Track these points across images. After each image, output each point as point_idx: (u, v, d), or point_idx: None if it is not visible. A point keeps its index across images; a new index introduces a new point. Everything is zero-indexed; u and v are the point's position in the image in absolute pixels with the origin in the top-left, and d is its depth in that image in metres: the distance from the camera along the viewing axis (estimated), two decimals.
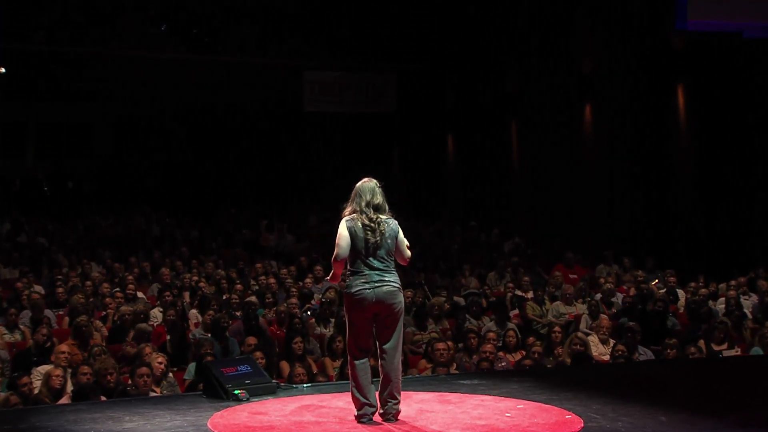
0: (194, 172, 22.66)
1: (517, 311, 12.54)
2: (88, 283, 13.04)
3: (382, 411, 5.89)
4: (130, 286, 12.46)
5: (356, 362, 5.91)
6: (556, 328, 10.26)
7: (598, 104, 17.75)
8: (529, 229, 18.77)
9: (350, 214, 5.97)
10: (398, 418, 5.89)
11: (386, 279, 5.88)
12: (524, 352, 9.61)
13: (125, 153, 23.42)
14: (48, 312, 11.49)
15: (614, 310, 12.31)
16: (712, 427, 5.73)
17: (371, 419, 5.86)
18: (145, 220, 18.95)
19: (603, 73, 17.46)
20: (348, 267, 5.94)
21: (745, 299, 12.95)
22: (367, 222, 5.88)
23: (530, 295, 13.27)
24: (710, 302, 12.46)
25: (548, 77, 18.78)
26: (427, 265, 15.54)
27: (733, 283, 13.33)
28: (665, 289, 13.49)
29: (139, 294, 12.70)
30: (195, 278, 13.60)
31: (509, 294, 13.30)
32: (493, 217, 19.76)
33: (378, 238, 5.88)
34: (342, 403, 6.37)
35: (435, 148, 21.98)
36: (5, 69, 18.04)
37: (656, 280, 14.29)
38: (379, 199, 5.99)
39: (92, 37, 19.30)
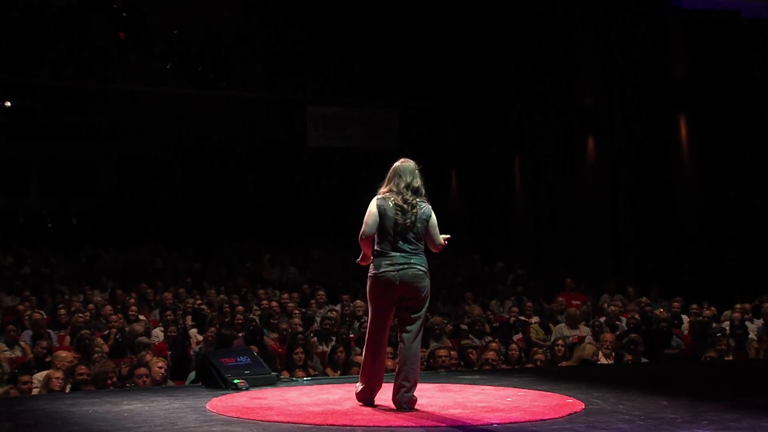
0: (197, 207, 22.70)
1: (520, 335, 12.46)
2: (91, 305, 13.00)
3: (394, 396, 5.70)
4: (132, 308, 12.43)
5: (373, 345, 5.77)
6: (560, 341, 10.19)
7: (600, 137, 17.84)
8: (531, 262, 18.73)
9: (384, 193, 5.80)
10: (414, 407, 5.67)
11: (412, 262, 5.70)
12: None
13: (129, 190, 23.49)
14: (49, 332, 11.44)
15: (618, 333, 12.22)
16: (712, 409, 5.67)
17: (372, 399, 5.78)
18: (148, 252, 18.95)
19: (604, 106, 17.56)
20: (374, 248, 5.76)
21: (750, 324, 12.87)
22: (400, 203, 5.71)
23: (534, 320, 13.21)
24: (714, 324, 12.38)
25: (550, 111, 18.90)
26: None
27: (738, 306, 13.25)
28: (669, 315, 13.41)
29: (141, 317, 12.66)
30: (198, 302, 13.56)
31: (512, 318, 13.24)
32: (495, 250, 19.74)
33: (409, 221, 5.69)
34: (342, 391, 6.32)
35: (438, 183, 22.04)
36: (10, 103, 18.22)
37: (661, 309, 14.22)
38: (418, 182, 5.82)
39: (97, 73, 19.49)
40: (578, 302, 14.88)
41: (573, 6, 17.85)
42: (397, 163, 5.91)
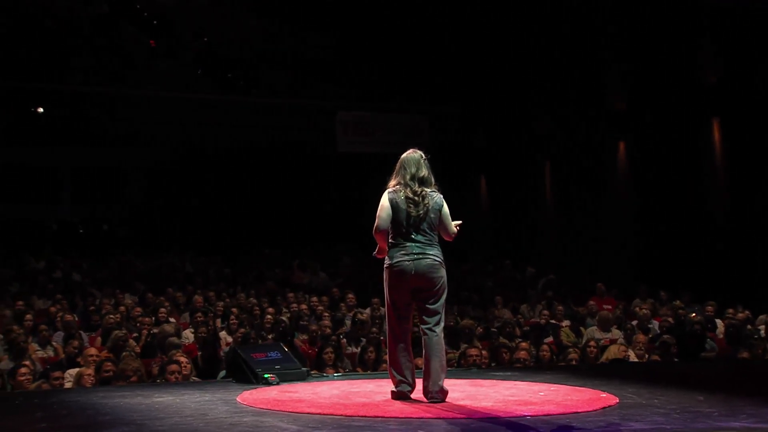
0: (227, 214, 22.77)
1: (551, 338, 12.36)
2: (122, 308, 13.06)
3: (425, 389, 5.67)
4: (162, 310, 12.48)
5: (395, 338, 5.75)
6: (591, 342, 10.09)
7: (631, 142, 17.71)
8: (562, 267, 18.60)
9: (394, 186, 5.83)
10: (445, 398, 5.64)
11: (427, 252, 5.70)
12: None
13: (159, 197, 23.62)
14: (80, 333, 11.50)
15: (651, 336, 12.10)
16: (750, 403, 5.55)
17: (408, 397, 5.70)
18: (178, 258, 19.02)
19: (636, 110, 17.43)
20: (389, 240, 5.77)
21: None
22: (410, 195, 5.73)
23: (565, 323, 13.12)
24: (748, 327, 12.22)
25: (580, 116, 18.78)
26: (460, 299, 15.42)
27: None
28: (703, 318, 13.26)
29: (171, 320, 12.70)
30: (228, 304, 13.60)
31: (543, 320, 13.15)
32: (525, 256, 19.63)
33: (421, 212, 5.71)
34: (373, 386, 6.28)
35: (467, 189, 21.97)
36: (42, 109, 18.38)
37: (694, 314, 14.07)
38: (424, 171, 5.84)
39: (127, 80, 19.62)
40: (609, 307, 14.77)
41: (603, 9, 17.73)
42: (403, 155, 5.95)
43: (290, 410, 5.40)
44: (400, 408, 5.43)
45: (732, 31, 15.32)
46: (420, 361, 5.80)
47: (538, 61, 19.55)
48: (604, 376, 6.84)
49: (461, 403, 5.61)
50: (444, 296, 5.79)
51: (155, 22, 21.21)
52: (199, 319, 11.71)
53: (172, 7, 20.66)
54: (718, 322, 13.20)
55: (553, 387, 6.22)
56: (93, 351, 8.69)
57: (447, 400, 5.65)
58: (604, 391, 5.99)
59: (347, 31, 21.15)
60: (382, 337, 11.35)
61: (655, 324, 12.77)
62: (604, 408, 5.41)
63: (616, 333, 12.33)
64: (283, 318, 11.81)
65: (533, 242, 20.18)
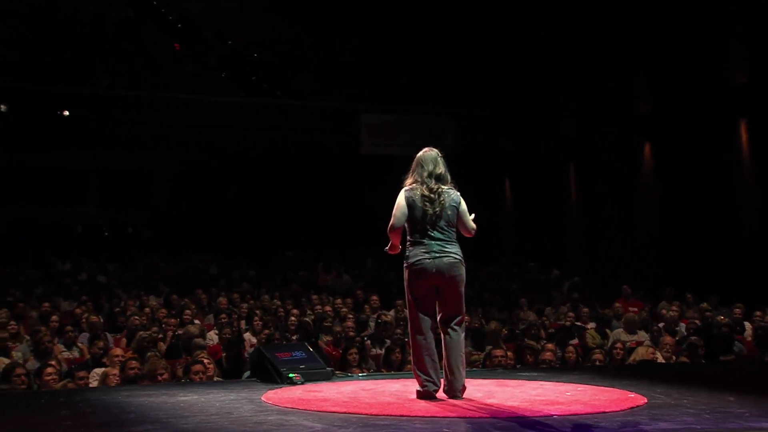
0: (251, 216, 22.81)
1: (576, 340, 12.26)
2: (147, 309, 13.09)
3: (447, 387, 5.67)
4: (187, 311, 12.49)
5: (417, 338, 5.71)
6: (618, 344, 9.98)
7: (657, 143, 17.55)
8: (586, 270, 18.48)
9: (410, 184, 5.81)
10: (464, 395, 5.65)
11: (447, 250, 5.68)
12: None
13: (184, 200, 23.72)
14: (105, 334, 11.52)
15: (678, 338, 11.97)
16: None
17: (434, 396, 5.66)
18: (203, 260, 19.07)
19: (662, 111, 17.28)
20: (408, 238, 5.76)
21: None
22: (426, 192, 5.72)
23: (590, 325, 13.01)
24: None
25: (605, 118, 18.65)
26: (484, 301, 15.35)
27: None
28: (731, 320, 13.11)
29: (196, 321, 12.70)
30: (252, 305, 13.61)
31: (569, 322, 13.05)
32: (549, 259, 19.52)
33: (438, 209, 5.70)
34: (398, 385, 6.24)
35: (491, 191, 21.88)
36: (68, 112, 18.51)
37: (722, 316, 13.91)
38: (441, 169, 5.83)
39: (152, 84, 19.71)
40: (635, 309, 14.62)
41: (628, 11, 17.60)
42: (419, 153, 5.93)
43: (315, 409, 5.37)
44: (425, 407, 5.39)
45: (760, 30, 15.16)
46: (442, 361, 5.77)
47: (563, 62, 19.44)
48: (632, 376, 6.76)
49: (487, 402, 5.56)
50: (463, 291, 5.78)
51: (179, 25, 21.33)
52: (223, 320, 11.72)
53: (196, 10, 20.75)
54: (747, 324, 13.05)
55: (580, 387, 6.15)
56: (118, 351, 8.70)
57: (473, 398, 5.61)
58: (631, 391, 5.91)
59: (371, 34, 21.14)
60: (406, 339, 11.31)
61: (682, 326, 12.64)
62: (632, 408, 5.33)
63: (642, 335, 12.20)
64: (307, 319, 11.75)
65: (558, 244, 20.05)
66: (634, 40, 17.68)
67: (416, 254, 5.69)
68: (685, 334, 12.00)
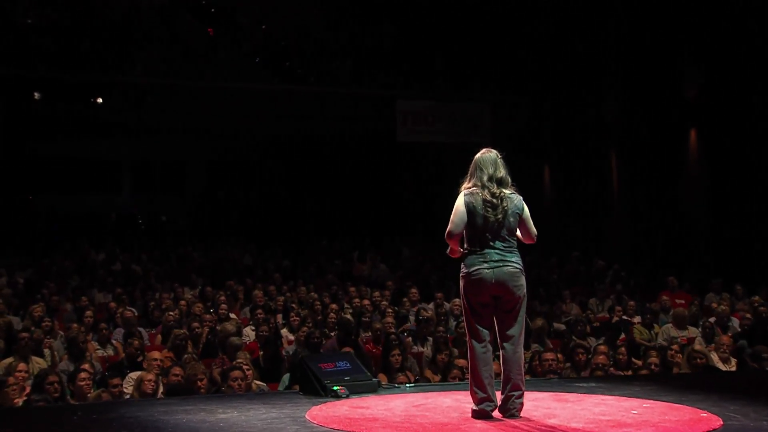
0: (286, 205, 22.55)
1: (623, 336, 11.84)
2: (182, 302, 12.83)
3: (503, 406, 5.30)
4: (223, 306, 12.24)
5: (476, 351, 5.32)
6: (674, 346, 9.53)
7: (703, 129, 17.00)
8: (628, 259, 17.99)
9: (470, 188, 5.41)
10: (521, 413, 5.29)
11: (508, 259, 5.30)
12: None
13: (219, 189, 23.51)
14: (140, 330, 11.29)
15: (731, 334, 11.51)
16: None
17: (490, 415, 5.29)
18: (237, 250, 18.81)
19: (708, 97, 16.72)
20: (465, 246, 5.38)
21: None
22: (488, 197, 5.32)
23: (636, 320, 12.58)
24: None
25: (649, 103, 18.09)
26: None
27: None
28: None
29: (232, 315, 12.45)
30: (288, 298, 13.34)
31: (615, 318, 12.63)
32: (592, 248, 19.03)
33: (500, 216, 5.31)
34: (449, 400, 5.88)
35: (530, 178, 21.36)
36: (102, 100, 18.29)
37: None
38: (502, 171, 5.44)
39: (187, 71, 19.42)
40: (682, 301, 14.17)
41: None
42: (477, 155, 5.53)
43: (364, 431, 5.02)
44: (482, 428, 5.03)
45: None
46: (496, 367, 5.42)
47: (605, 46, 18.91)
48: (698, 388, 6.34)
49: (549, 423, 5.18)
50: (524, 304, 5.41)
51: (213, 10, 21.04)
52: (259, 316, 11.41)
53: None
54: None
55: (646, 404, 5.75)
56: (156, 355, 8.42)
57: (532, 418, 5.24)
58: (702, 409, 5.50)
59: (407, 19, 20.71)
60: (449, 335, 10.97)
61: (734, 321, 12.18)
62: None
63: (693, 331, 11.79)
64: (348, 316, 11.43)
65: (599, 234, 19.55)
66: (679, 22, 17.10)
67: (474, 263, 5.31)
68: (738, 330, 11.55)
